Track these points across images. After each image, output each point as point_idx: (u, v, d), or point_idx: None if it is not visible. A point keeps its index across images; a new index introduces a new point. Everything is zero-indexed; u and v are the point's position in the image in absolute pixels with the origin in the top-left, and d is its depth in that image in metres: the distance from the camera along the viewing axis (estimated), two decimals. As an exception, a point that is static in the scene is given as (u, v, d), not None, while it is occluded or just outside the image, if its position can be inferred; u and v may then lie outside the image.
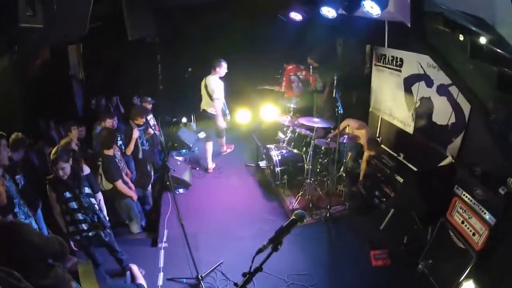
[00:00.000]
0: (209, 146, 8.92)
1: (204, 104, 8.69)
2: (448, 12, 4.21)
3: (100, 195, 5.44)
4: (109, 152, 6.05)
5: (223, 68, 8.20)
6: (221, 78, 8.28)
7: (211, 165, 9.04)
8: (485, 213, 4.06)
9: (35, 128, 7.14)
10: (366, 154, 7.06)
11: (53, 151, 4.84)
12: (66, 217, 4.90)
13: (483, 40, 3.93)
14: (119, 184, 5.99)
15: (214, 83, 8.20)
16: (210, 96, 8.31)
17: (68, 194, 4.86)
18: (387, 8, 4.81)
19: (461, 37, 4.04)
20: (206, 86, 8.40)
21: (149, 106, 8.62)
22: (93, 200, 5.19)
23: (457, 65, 4.24)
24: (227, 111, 8.86)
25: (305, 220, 2.68)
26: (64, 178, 4.80)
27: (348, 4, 5.39)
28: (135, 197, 6.34)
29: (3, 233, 2.63)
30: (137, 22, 6.96)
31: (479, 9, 4.07)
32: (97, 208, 5.25)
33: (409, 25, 4.63)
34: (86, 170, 5.43)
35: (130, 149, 7.27)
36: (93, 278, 4.11)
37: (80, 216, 4.95)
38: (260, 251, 2.44)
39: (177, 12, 8.77)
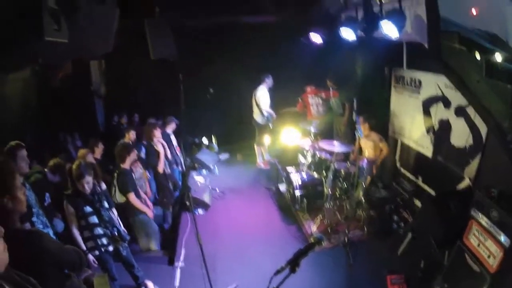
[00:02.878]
0: (261, 148, 10.25)
1: (254, 113, 9.95)
2: (463, 30, 4.21)
3: (115, 210, 5.50)
4: (125, 166, 6.14)
5: (270, 80, 9.55)
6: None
7: (264, 159, 10.34)
8: (500, 235, 3.96)
9: (53, 140, 7.27)
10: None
11: (75, 165, 4.90)
12: (84, 232, 4.93)
13: (498, 57, 3.91)
14: (131, 196, 6.04)
15: (260, 93, 9.48)
16: (257, 105, 9.60)
17: (88, 209, 4.91)
18: (405, 29, 4.84)
19: (478, 56, 4.02)
20: (254, 96, 9.67)
21: (173, 125, 8.76)
22: (112, 214, 5.25)
23: (473, 84, 4.21)
24: (271, 120, 9.71)
25: (323, 244, 2.69)
26: (87, 192, 4.87)
27: (366, 26, 5.45)
28: (149, 213, 6.34)
29: (23, 240, 2.66)
30: (159, 42, 7.14)
31: (492, 25, 4.06)
32: (117, 222, 5.30)
33: (426, 46, 4.62)
34: (103, 185, 5.52)
35: (161, 166, 7.50)
36: (108, 291, 4.14)
37: (100, 230, 4.99)
38: (278, 272, 2.46)
39: (199, 33, 8.94)
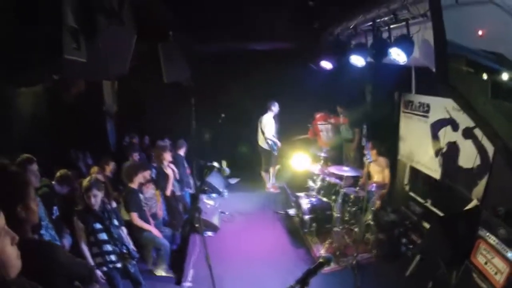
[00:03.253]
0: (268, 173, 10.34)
1: (259, 139, 10.19)
2: (470, 52, 4.29)
3: (125, 228, 5.57)
4: (133, 185, 6.27)
5: (276, 107, 9.72)
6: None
7: (271, 183, 10.37)
8: (507, 252, 3.99)
9: (63, 157, 7.37)
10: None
11: (86, 180, 5.02)
12: (93, 248, 5.01)
13: (504, 77, 3.99)
14: (134, 216, 6.14)
15: (265, 120, 9.72)
16: (263, 132, 9.83)
17: (98, 225, 4.99)
18: (413, 54, 4.95)
19: (485, 76, 4.10)
20: (260, 123, 9.92)
21: (184, 148, 8.89)
22: (121, 231, 5.33)
23: (479, 106, 4.27)
24: (275, 147, 9.87)
25: (331, 264, 2.75)
26: (95, 207, 4.96)
27: (376, 53, 5.55)
28: (153, 230, 6.38)
29: (34, 250, 2.72)
30: (172, 66, 7.31)
31: (498, 45, 4.14)
32: (126, 239, 5.37)
33: (434, 70, 4.72)
34: (114, 203, 5.62)
35: (169, 190, 7.54)
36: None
37: (109, 247, 5.06)
38: None
39: (212, 58, 9.13)
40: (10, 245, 1.82)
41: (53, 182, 5.89)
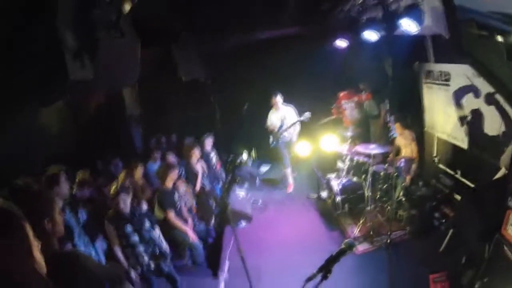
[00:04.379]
0: (287, 171, 9.70)
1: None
2: (480, 15, 4.12)
3: (158, 229, 5.67)
4: (166, 185, 6.40)
5: (273, 100, 9.16)
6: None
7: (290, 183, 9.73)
8: (537, 222, 3.83)
9: (92, 167, 7.55)
10: None
11: (114, 187, 5.15)
12: (126, 250, 5.14)
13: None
14: (169, 214, 6.26)
15: (269, 114, 9.35)
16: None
17: (129, 228, 5.12)
18: (425, 23, 4.81)
19: (499, 38, 3.93)
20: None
21: (210, 142, 8.97)
22: (153, 233, 5.43)
23: (496, 69, 4.11)
24: (275, 142, 9.44)
25: (354, 249, 2.69)
26: (125, 211, 5.08)
27: (386, 26, 5.44)
28: (189, 233, 6.46)
29: (61, 263, 2.80)
30: (187, 64, 7.37)
31: (507, 5, 3.94)
32: (158, 240, 5.48)
33: (447, 37, 4.57)
34: (144, 207, 5.73)
35: (198, 186, 7.78)
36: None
37: (141, 248, 5.19)
38: (309, 279, 2.46)
39: (227, 52, 9.10)
40: (38, 251, 2.00)
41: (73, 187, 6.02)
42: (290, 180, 9.83)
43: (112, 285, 3.21)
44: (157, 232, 5.62)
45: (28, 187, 2.89)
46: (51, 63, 3.43)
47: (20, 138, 5.93)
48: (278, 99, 9.08)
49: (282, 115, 9.20)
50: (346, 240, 2.74)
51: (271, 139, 9.43)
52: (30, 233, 1.95)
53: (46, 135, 6.98)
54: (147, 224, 5.37)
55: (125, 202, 5.10)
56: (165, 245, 5.65)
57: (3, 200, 2.14)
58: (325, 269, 2.50)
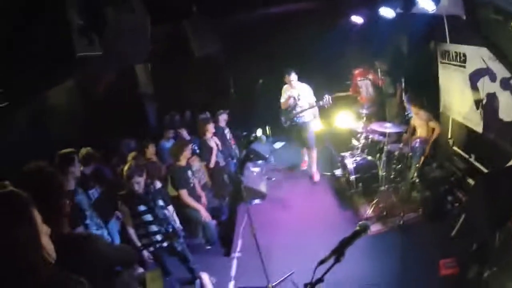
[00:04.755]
0: (312, 154, 9.01)
1: None
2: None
3: (171, 207, 5.72)
4: (179, 163, 6.40)
5: (286, 78, 8.51)
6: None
7: (315, 173, 9.01)
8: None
9: (106, 146, 7.60)
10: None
11: (127, 166, 5.17)
12: (139, 229, 5.20)
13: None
14: (183, 193, 6.27)
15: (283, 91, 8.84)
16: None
17: (142, 208, 5.16)
18: (441, 2, 4.67)
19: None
20: None
21: (225, 118, 8.97)
22: (167, 212, 5.48)
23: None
24: (288, 121, 8.90)
25: (367, 231, 2.65)
26: (139, 192, 5.13)
27: (403, 3, 5.31)
28: (202, 211, 6.46)
29: (72, 245, 2.84)
30: (201, 39, 7.28)
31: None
32: (171, 219, 5.54)
33: (464, 18, 4.45)
34: (158, 184, 5.76)
35: (212, 162, 7.73)
36: (160, 286, 4.34)
37: (154, 227, 5.24)
38: (322, 262, 2.44)
39: (241, 26, 8.98)
40: (47, 237, 2.00)
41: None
42: (307, 158, 9.43)
43: (123, 265, 3.28)
44: (170, 210, 5.68)
45: (40, 169, 2.91)
46: (57, 39, 3.41)
47: (29, 121, 5.99)
48: (293, 77, 8.40)
49: (297, 92, 8.58)
50: (361, 222, 2.69)
51: (283, 118, 8.97)
52: (38, 219, 1.93)
53: (56, 117, 7.00)
54: (160, 202, 5.41)
55: (139, 184, 5.13)
56: (178, 224, 5.71)
57: (8, 185, 2.14)
58: (338, 252, 2.44)
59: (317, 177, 8.95)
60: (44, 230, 1.98)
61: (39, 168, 2.70)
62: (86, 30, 3.60)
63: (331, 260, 2.42)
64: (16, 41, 3.38)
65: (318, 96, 8.45)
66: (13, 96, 3.72)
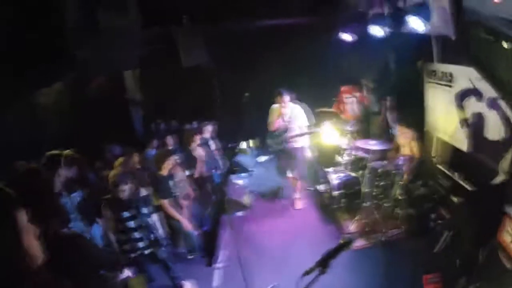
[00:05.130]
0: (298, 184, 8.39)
1: None
2: (488, 20, 4.11)
3: (156, 216, 5.67)
4: (162, 172, 6.31)
5: (278, 99, 7.76)
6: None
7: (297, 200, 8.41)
8: (532, 232, 3.84)
9: (91, 151, 7.51)
10: None
11: (112, 173, 5.12)
12: (122, 235, 5.14)
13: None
14: (164, 203, 6.19)
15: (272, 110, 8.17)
16: None
17: (126, 214, 5.12)
18: (431, 22, 4.79)
19: (505, 45, 3.92)
20: None
21: (209, 129, 8.97)
22: (150, 220, 5.43)
23: (501, 75, 4.11)
24: (275, 146, 8.30)
25: (352, 245, 2.69)
26: (124, 198, 5.07)
27: (393, 22, 5.43)
28: (184, 222, 6.38)
29: (63, 243, 2.80)
30: (189, 50, 7.34)
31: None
32: (155, 227, 5.48)
33: (453, 38, 4.56)
34: (144, 192, 5.70)
35: (197, 172, 7.77)
36: (144, 292, 4.29)
37: (137, 234, 5.20)
38: (306, 273, 2.47)
39: (230, 39, 9.05)
40: (34, 238, 1.93)
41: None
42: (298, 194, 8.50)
43: (108, 268, 3.24)
44: (154, 218, 5.63)
45: (36, 171, 2.89)
46: (51, 40, 3.42)
47: (19, 122, 5.91)
48: (285, 99, 7.68)
49: (288, 113, 7.89)
50: (345, 236, 2.75)
51: (269, 142, 8.32)
52: (23, 218, 1.90)
53: (42, 118, 6.92)
54: (144, 210, 5.37)
55: (125, 192, 5.09)
56: (161, 232, 5.66)
57: None
58: (323, 264, 2.50)
59: (299, 204, 8.37)
60: (32, 231, 1.95)
61: (35, 169, 2.70)
62: (81, 33, 3.61)
63: (316, 272, 2.45)
64: (10, 40, 3.36)
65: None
66: (3, 94, 3.69)
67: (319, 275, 2.46)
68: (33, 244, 1.93)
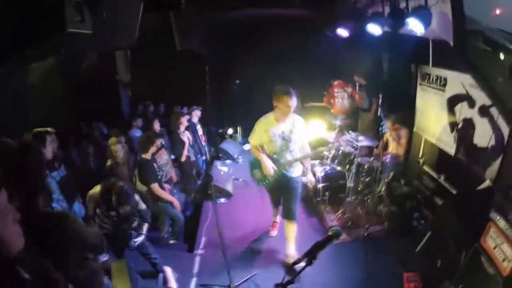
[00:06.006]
0: (292, 227, 5.96)
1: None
2: (488, 30, 4.16)
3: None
4: (146, 156, 6.24)
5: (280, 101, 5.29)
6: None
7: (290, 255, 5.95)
8: (516, 239, 3.92)
9: (78, 129, 7.43)
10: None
11: (117, 189, 4.93)
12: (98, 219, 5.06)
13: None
14: (155, 187, 6.15)
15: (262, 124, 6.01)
16: None
17: (112, 213, 5.02)
18: (430, 26, 4.81)
19: (502, 56, 3.98)
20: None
21: (198, 114, 8.93)
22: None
23: (496, 85, 4.16)
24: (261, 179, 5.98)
25: (341, 237, 2.72)
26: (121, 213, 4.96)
27: (393, 22, 5.43)
28: (175, 202, 6.41)
29: (49, 222, 2.75)
30: (185, 33, 7.24)
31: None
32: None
33: (451, 44, 4.58)
34: (142, 205, 5.52)
35: (184, 156, 7.73)
36: (126, 277, 4.26)
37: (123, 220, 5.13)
38: (294, 264, 2.50)
39: (226, 26, 8.99)
40: (13, 222, 1.79)
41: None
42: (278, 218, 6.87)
43: (93, 249, 3.19)
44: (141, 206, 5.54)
45: (28, 146, 2.80)
46: (49, 13, 3.32)
47: (5, 98, 5.79)
48: (292, 102, 5.21)
49: (288, 128, 5.53)
50: (333, 228, 2.77)
51: (256, 173, 5.97)
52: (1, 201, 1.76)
53: (32, 96, 6.80)
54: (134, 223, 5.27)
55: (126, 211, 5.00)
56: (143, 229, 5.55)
57: None
58: (311, 255, 2.52)
59: (274, 232, 6.94)
60: (11, 214, 1.81)
61: (26, 144, 2.61)
62: (79, 6, 3.52)
63: (303, 262, 2.48)
64: (5, 9, 3.26)
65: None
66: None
67: (306, 266, 2.48)
68: (12, 229, 1.81)
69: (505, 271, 3.99)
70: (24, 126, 5.10)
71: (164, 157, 7.03)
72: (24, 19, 3.30)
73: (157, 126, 8.42)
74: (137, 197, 5.25)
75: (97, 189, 5.29)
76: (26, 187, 2.52)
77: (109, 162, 5.93)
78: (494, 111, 5.16)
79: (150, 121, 8.47)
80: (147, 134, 6.80)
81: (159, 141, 6.57)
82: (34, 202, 2.68)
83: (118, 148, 6.02)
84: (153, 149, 6.35)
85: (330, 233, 2.71)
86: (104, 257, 4.48)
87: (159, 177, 6.45)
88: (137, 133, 8.21)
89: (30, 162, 2.55)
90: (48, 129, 5.17)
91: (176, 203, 6.44)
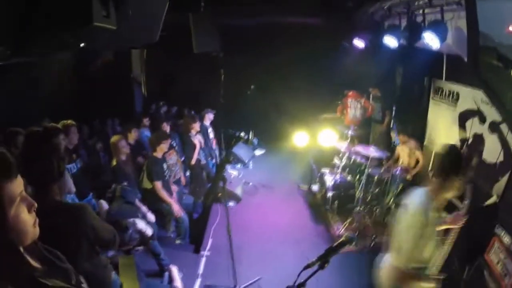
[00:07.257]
0: None
1: None
2: (501, 47, 4.17)
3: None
4: (156, 154, 6.32)
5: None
6: None
7: None
8: (519, 256, 3.92)
9: (90, 125, 7.48)
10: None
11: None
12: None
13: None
14: (157, 185, 6.19)
15: None
16: None
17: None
18: (446, 41, 4.83)
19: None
20: None
21: (210, 117, 8.98)
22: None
23: (508, 101, 4.18)
24: None
25: (353, 244, 2.73)
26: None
27: (409, 35, 5.46)
28: (174, 206, 6.37)
29: (66, 212, 2.81)
30: (203, 36, 7.28)
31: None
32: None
33: (465, 59, 4.61)
34: (152, 217, 5.65)
35: (194, 159, 7.80)
36: (133, 272, 4.30)
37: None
38: (307, 267, 2.49)
39: (244, 31, 9.05)
40: (27, 212, 1.63)
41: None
42: None
43: (106, 244, 3.25)
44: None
45: (50, 133, 2.85)
46: (76, 5, 3.37)
47: (20, 91, 5.86)
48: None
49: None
50: (347, 234, 2.77)
51: None
52: (15, 189, 1.57)
53: (46, 90, 6.88)
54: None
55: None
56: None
57: None
58: (324, 259, 2.52)
59: None
60: (26, 202, 1.63)
61: (48, 131, 2.67)
62: (106, 1, 3.56)
63: (316, 266, 2.50)
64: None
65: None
66: (20, 56, 3.67)
67: (318, 270, 2.50)
68: (27, 218, 1.63)
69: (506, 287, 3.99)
70: (37, 117, 5.17)
71: (173, 157, 7.09)
72: (53, 8, 3.36)
73: (166, 127, 8.46)
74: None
75: None
76: (43, 172, 2.57)
77: (114, 162, 5.98)
78: (504, 127, 5.17)
79: (160, 121, 8.50)
80: (157, 133, 6.87)
81: (168, 142, 6.61)
82: (50, 189, 2.74)
83: (123, 144, 6.04)
84: (162, 148, 6.41)
85: (343, 238, 2.72)
86: (110, 252, 4.53)
87: (166, 177, 6.50)
88: (146, 131, 8.26)
89: (52, 146, 2.60)
90: (65, 121, 5.29)
91: (175, 206, 6.41)
